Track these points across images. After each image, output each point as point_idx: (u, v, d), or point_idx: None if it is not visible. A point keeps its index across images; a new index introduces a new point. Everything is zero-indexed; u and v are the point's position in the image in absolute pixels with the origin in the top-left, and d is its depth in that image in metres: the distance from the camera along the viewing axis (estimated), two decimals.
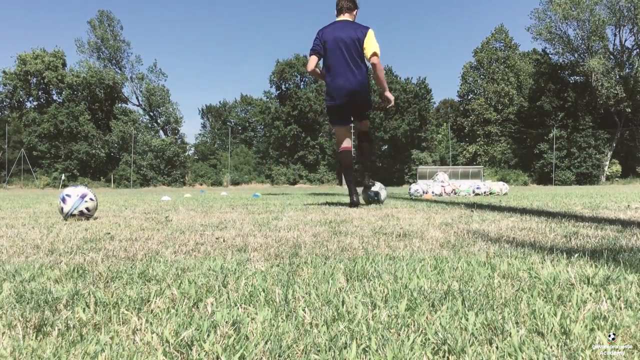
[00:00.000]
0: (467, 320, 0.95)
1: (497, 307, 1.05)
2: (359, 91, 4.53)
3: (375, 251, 1.85)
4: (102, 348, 0.85)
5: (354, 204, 4.56)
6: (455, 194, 8.59)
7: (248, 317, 1.01)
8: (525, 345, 0.83)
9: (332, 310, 1.04)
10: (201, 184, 40.74)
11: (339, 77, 4.49)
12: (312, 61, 4.54)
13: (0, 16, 60.93)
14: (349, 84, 4.48)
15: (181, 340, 0.88)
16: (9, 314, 1.05)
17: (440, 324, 0.94)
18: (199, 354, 0.82)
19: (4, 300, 1.16)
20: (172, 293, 1.20)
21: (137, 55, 49.44)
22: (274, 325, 0.95)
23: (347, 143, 4.73)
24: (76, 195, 3.46)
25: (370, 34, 4.46)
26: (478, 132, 41.52)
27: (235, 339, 0.88)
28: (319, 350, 0.83)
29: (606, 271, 1.38)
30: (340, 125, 4.70)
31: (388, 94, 4.68)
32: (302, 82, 44.56)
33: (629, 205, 4.51)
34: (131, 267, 1.56)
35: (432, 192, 7.51)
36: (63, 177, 37.12)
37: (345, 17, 4.64)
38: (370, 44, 4.42)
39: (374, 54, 4.42)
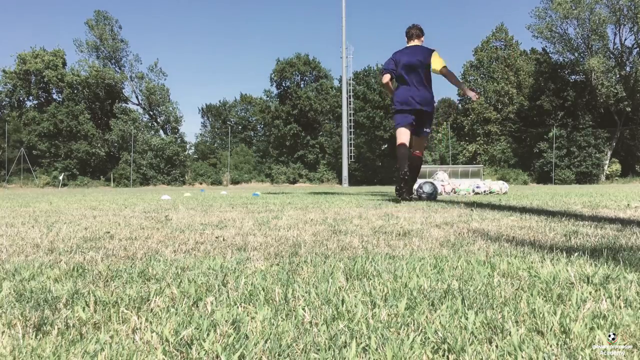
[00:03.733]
0: (466, 319, 0.95)
1: (496, 306, 1.05)
2: (422, 106, 5.30)
3: (375, 250, 1.85)
4: (102, 347, 0.85)
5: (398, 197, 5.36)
6: (455, 193, 8.59)
7: (248, 316, 1.01)
8: (525, 344, 0.83)
9: (331, 309, 1.04)
10: (201, 183, 40.71)
11: (407, 92, 5.32)
12: (387, 77, 5.40)
13: (0, 16, 60.84)
14: (413, 99, 5.29)
15: (181, 339, 0.88)
16: (9, 313, 1.05)
17: (440, 323, 0.94)
18: (198, 353, 0.82)
19: (3, 299, 1.16)
20: (171, 292, 1.20)
21: (136, 55, 49.39)
22: (273, 324, 0.95)
23: (404, 139, 5.30)
24: None
25: (435, 54, 5.33)
26: (478, 131, 41.47)
27: (235, 338, 0.88)
28: (318, 349, 0.83)
29: (606, 270, 1.38)
30: (402, 125, 5.35)
31: (468, 92, 5.23)
32: (303, 82, 44.53)
33: (628, 204, 4.51)
34: (131, 266, 1.56)
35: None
36: (62, 176, 37.09)
37: (415, 42, 5.56)
38: (437, 61, 5.28)
39: (443, 67, 5.24)
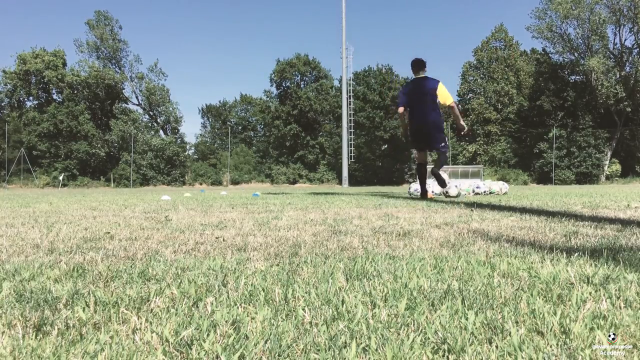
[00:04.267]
0: (466, 319, 0.95)
1: (496, 307, 1.05)
2: (431, 128, 6.36)
3: (375, 250, 1.85)
4: (102, 347, 0.85)
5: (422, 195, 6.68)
6: None
7: (248, 316, 1.01)
8: (525, 345, 0.83)
9: (331, 309, 1.04)
10: (201, 184, 40.71)
11: (418, 118, 6.38)
12: (401, 109, 6.45)
13: (0, 16, 60.79)
14: (424, 124, 6.36)
15: (181, 340, 0.88)
16: (9, 313, 1.05)
17: (440, 323, 0.95)
18: (198, 354, 0.82)
19: (3, 300, 1.16)
20: (171, 292, 1.20)
21: (137, 55, 49.46)
22: (273, 325, 0.95)
23: (422, 159, 6.70)
24: None
25: (442, 86, 6.31)
26: (478, 132, 41.47)
27: (235, 338, 0.88)
28: (318, 350, 0.83)
29: (606, 270, 1.38)
30: (419, 150, 6.68)
31: (461, 124, 6.51)
32: (303, 82, 44.53)
33: (628, 205, 4.51)
34: (131, 267, 1.56)
35: (432, 192, 7.52)
36: (62, 177, 37.09)
37: (421, 74, 6.47)
38: (446, 95, 6.31)
39: (452, 102, 6.38)
